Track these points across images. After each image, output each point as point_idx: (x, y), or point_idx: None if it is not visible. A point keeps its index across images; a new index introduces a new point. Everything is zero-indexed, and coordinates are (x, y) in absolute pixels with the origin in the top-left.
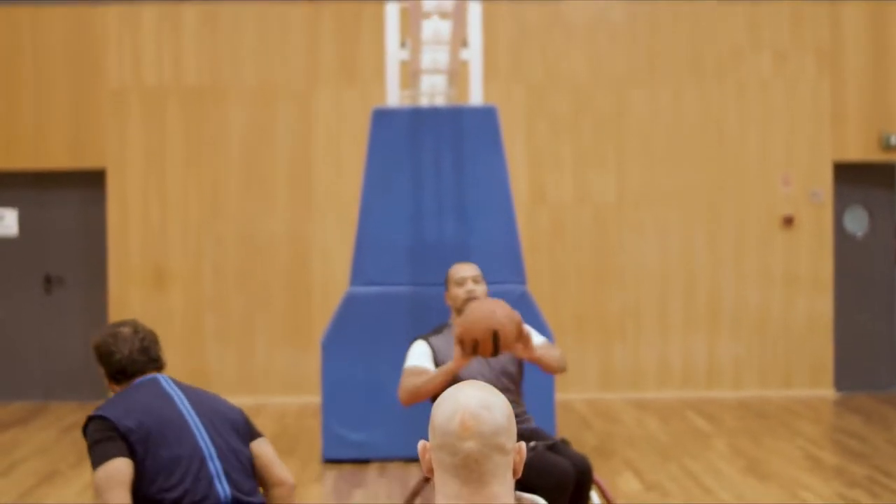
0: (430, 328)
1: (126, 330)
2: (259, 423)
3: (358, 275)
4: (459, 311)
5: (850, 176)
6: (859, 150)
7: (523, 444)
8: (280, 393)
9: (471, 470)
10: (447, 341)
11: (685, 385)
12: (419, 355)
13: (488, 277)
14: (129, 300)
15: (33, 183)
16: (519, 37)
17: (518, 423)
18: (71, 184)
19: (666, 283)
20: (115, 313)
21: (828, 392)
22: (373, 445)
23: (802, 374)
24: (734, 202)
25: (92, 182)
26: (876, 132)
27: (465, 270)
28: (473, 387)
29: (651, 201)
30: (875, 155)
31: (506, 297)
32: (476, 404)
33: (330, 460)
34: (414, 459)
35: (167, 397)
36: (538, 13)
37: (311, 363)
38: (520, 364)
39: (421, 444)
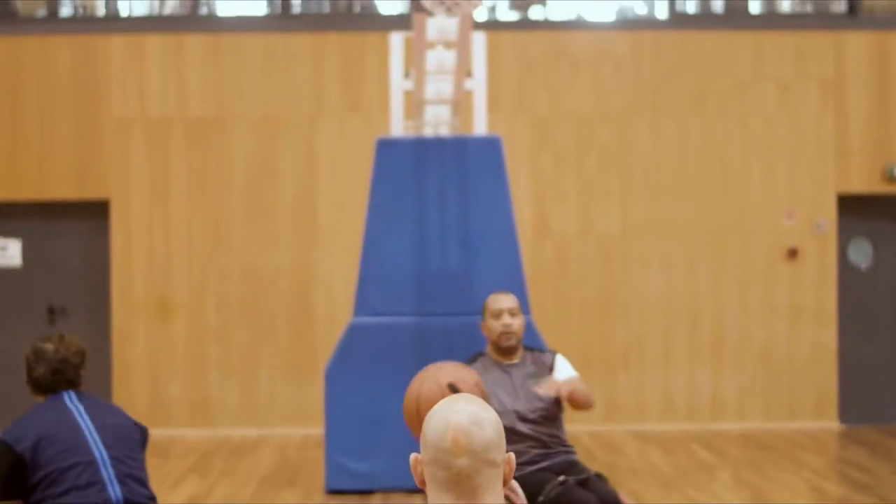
0: (467, 356)
1: (49, 347)
2: (261, 454)
3: (361, 305)
4: (495, 343)
5: (854, 208)
6: (863, 182)
7: (512, 454)
8: (283, 424)
9: (463, 485)
10: (484, 371)
11: (689, 417)
12: None
13: None
14: (132, 331)
15: (37, 213)
16: (523, 69)
17: (555, 453)
18: (75, 214)
19: (670, 315)
20: (119, 344)
21: (832, 424)
22: (376, 476)
23: (807, 406)
24: (738, 234)
25: (96, 213)
26: (880, 164)
27: (502, 302)
28: (464, 401)
29: (655, 233)
30: (879, 187)
31: None
32: (467, 421)
33: (333, 491)
34: (417, 490)
35: (67, 412)
36: (542, 46)
37: (315, 395)
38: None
39: (413, 456)
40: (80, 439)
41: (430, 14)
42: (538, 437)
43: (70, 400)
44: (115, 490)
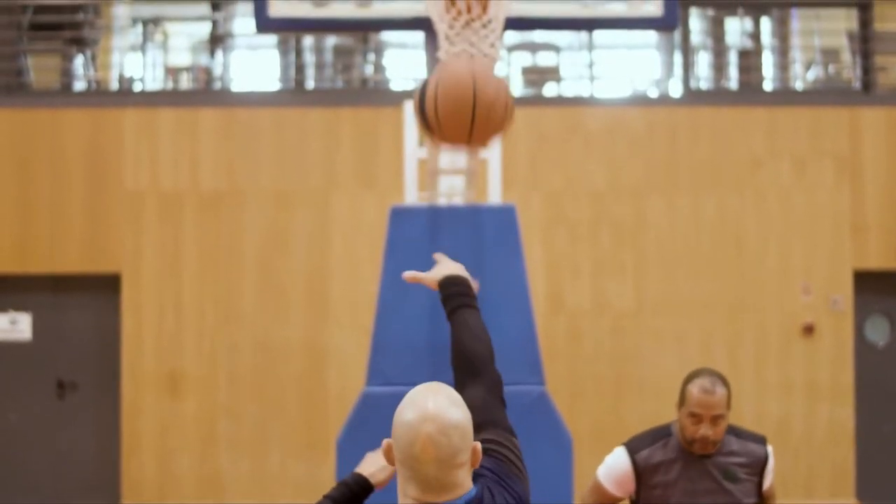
0: (644, 432)
1: None
2: None
3: (374, 374)
4: (687, 442)
5: (870, 284)
6: (880, 259)
7: (478, 444)
8: (294, 500)
9: (431, 484)
10: (664, 461)
11: None
12: (612, 476)
13: (505, 378)
14: (142, 406)
15: (48, 287)
16: (537, 144)
17: None
18: (86, 288)
19: None
20: (129, 419)
21: (849, 501)
22: None
23: (823, 484)
24: (754, 310)
25: (107, 286)
26: None
27: (706, 405)
28: (433, 397)
29: (670, 310)
30: None
31: (523, 399)
32: (436, 431)
33: None
34: None
35: None
36: (556, 120)
37: (326, 470)
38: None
39: (385, 442)
40: None
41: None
42: None
43: None
44: None
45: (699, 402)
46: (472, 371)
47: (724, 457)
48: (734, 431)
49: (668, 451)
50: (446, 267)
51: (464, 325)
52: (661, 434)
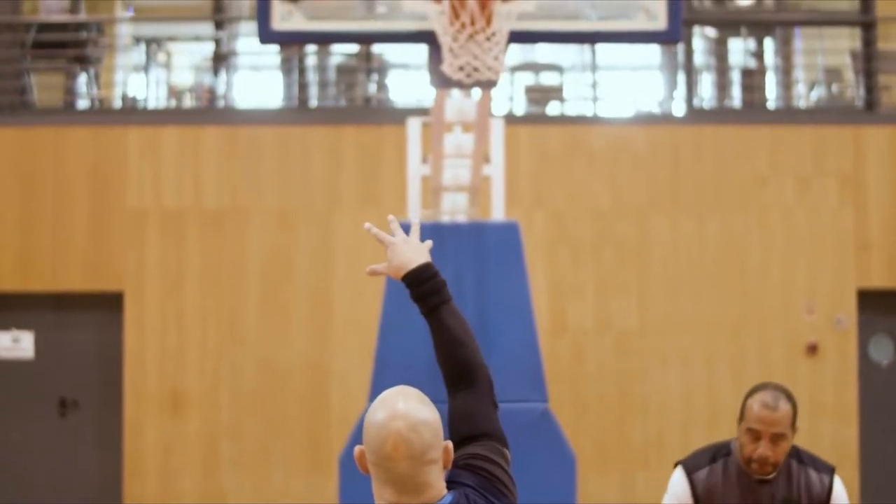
0: (703, 449)
1: None
2: None
3: (377, 392)
4: (745, 462)
5: (874, 303)
6: (884, 277)
7: (449, 442)
8: None
9: (405, 483)
10: (721, 484)
11: None
12: (675, 500)
13: (508, 395)
14: (144, 425)
15: (50, 305)
16: (540, 163)
17: None
18: (88, 306)
19: (689, 412)
20: (131, 438)
21: None
22: None
23: None
24: (757, 330)
25: (109, 305)
26: None
27: (767, 421)
28: (403, 398)
29: (673, 329)
30: None
31: (526, 416)
32: (405, 428)
33: None
34: None
35: None
36: (559, 140)
37: (329, 490)
38: None
39: (357, 449)
40: None
41: (451, 82)
42: None
43: None
44: None
45: (759, 417)
46: (464, 380)
47: (785, 483)
48: (798, 456)
49: (726, 473)
50: (406, 252)
51: (446, 329)
52: (720, 452)
